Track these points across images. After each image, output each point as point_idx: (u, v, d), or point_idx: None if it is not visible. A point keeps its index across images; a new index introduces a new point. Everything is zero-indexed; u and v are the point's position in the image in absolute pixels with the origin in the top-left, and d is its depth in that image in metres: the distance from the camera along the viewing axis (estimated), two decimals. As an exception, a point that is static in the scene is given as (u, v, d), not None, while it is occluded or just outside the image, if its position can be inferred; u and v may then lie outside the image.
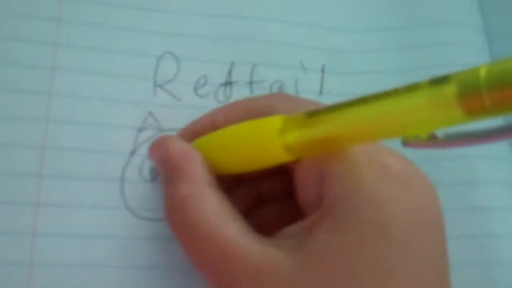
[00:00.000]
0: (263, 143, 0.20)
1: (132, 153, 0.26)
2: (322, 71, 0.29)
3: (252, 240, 0.20)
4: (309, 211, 0.20)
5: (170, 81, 0.28)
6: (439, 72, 0.29)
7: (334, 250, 0.18)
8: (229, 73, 0.29)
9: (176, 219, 0.21)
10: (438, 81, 0.15)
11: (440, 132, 0.17)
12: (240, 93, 0.28)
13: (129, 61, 0.27)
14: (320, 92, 0.29)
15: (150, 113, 0.27)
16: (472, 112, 0.14)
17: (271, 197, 0.25)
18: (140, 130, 0.26)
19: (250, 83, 0.29)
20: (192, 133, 0.24)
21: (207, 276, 0.21)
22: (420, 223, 0.19)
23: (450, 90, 0.15)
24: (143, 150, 0.26)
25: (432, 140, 0.17)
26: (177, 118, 0.27)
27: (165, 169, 0.23)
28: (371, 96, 0.17)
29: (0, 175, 0.24)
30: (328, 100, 0.28)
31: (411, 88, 0.16)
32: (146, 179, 0.26)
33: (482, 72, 0.14)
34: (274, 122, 0.20)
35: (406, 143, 0.17)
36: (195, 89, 0.28)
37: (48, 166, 0.25)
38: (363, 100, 0.17)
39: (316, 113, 0.19)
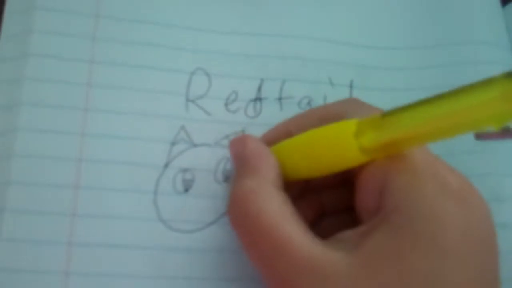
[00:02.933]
0: (339, 146, 0.21)
1: (166, 166, 0.27)
2: (350, 86, 0.30)
3: (310, 240, 0.20)
4: (366, 218, 0.21)
5: (202, 96, 0.28)
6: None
7: (388, 255, 0.19)
8: (259, 89, 0.29)
9: (237, 211, 0.22)
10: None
11: None
12: (269, 109, 0.29)
13: (163, 77, 0.28)
14: (348, 108, 0.30)
15: (182, 127, 0.27)
16: None
17: (332, 209, 0.25)
18: (173, 143, 0.27)
19: (279, 99, 0.29)
20: (268, 140, 0.25)
21: (262, 270, 0.21)
22: (473, 239, 0.19)
23: None
24: (176, 163, 0.27)
25: (506, 133, 0.17)
26: (208, 133, 0.28)
27: (238, 163, 0.24)
28: (446, 93, 0.17)
29: (38, 186, 0.25)
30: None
31: (486, 82, 0.16)
32: (179, 192, 0.26)
33: None
34: (349, 125, 0.21)
35: (479, 136, 0.17)
36: (226, 104, 0.28)
37: (84, 178, 0.26)
38: (438, 98, 0.18)
39: (390, 113, 0.19)
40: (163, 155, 0.27)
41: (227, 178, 0.27)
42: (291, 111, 0.29)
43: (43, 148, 0.26)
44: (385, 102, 0.29)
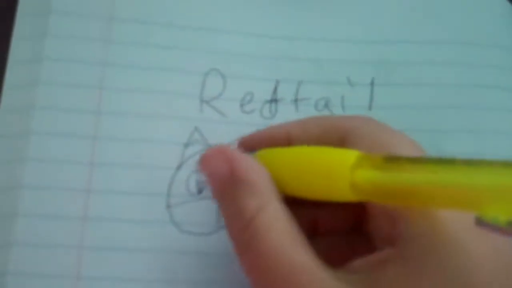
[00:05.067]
0: (331, 175, 0.19)
1: (179, 167, 0.26)
2: (372, 84, 0.29)
3: (320, 269, 0.18)
4: (380, 244, 0.19)
5: (217, 97, 0.28)
6: (488, 92, 0.29)
7: None
8: (275, 91, 0.28)
9: (242, 238, 0.19)
10: None
11: None
12: (285, 110, 0.28)
13: (177, 78, 0.27)
14: (370, 107, 0.29)
15: (196, 128, 0.27)
16: None
17: (327, 229, 0.23)
18: (187, 145, 0.26)
19: (295, 100, 0.28)
20: (265, 139, 0.23)
21: None
22: (505, 277, 0.17)
23: None
24: (190, 165, 0.26)
25: (510, 229, 0.14)
26: (223, 134, 0.27)
27: (226, 183, 0.20)
28: (462, 160, 0.15)
29: (50, 190, 0.25)
30: (378, 114, 0.28)
31: (508, 165, 0.14)
32: (192, 194, 0.25)
33: None
34: (349, 156, 0.19)
35: (480, 222, 0.15)
36: (241, 105, 0.28)
37: (96, 181, 0.25)
38: (451, 162, 0.16)
39: (395, 159, 0.17)
40: (176, 157, 0.26)
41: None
42: (307, 112, 0.28)
43: (56, 152, 0.25)
44: (410, 98, 0.29)
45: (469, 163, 0.15)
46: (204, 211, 0.25)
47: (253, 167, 0.20)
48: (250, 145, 0.23)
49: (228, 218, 0.20)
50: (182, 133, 0.27)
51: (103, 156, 0.26)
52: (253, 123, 0.27)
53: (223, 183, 0.21)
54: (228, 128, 0.27)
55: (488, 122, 0.29)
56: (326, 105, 0.29)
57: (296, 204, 0.21)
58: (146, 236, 0.24)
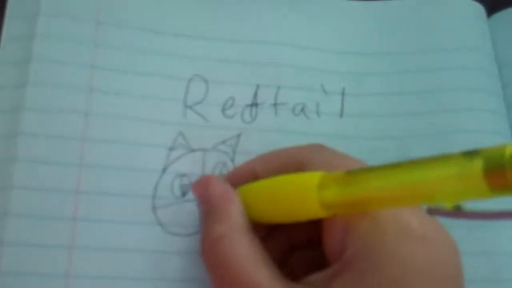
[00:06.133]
0: (300, 198, 0.21)
1: (164, 171, 0.27)
2: (342, 94, 0.31)
3: (277, 284, 0.20)
4: (332, 260, 0.21)
5: (199, 102, 0.29)
6: (455, 95, 0.31)
7: None
8: (255, 95, 0.30)
9: (208, 258, 0.22)
10: (469, 154, 0.16)
11: (466, 204, 0.17)
12: (265, 114, 0.30)
13: (161, 83, 0.29)
14: (341, 114, 0.31)
15: (180, 133, 0.28)
16: (496, 188, 0.15)
17: (303, 243, 0.25)
18: (171, 149, 0.28)
19: (275, 104, 0.30)
20: (235, 179, 0.25)
21: None
22: (438, 279, 0.20)
23: (478, 164, 0.15)
24: (174, 168, 0.27)
25: (457, 211, 0.17)
26: (206, 138, 0.28)
27: (204, 207, 0.24)
28: (407, 162, 0.18)
29: (39, 191, 0.26)
30: (349, 122, 0.30)
31: (444, 158, 0.17)
32: (176, 196, 0.27)
33: (508, 151, 0.15)
34: (313, 178, 0.21)
35: (431, 211, 0.18)
36: (223, 110, 0.29)
37: (85, 182, 0.26)
38: (399, 165, 0.18)
39: (354, 172, 0.20)
40: (161, 160, 0.27)
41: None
42: (285, 116, 0.30)
43: (45, 153, 0.26)
44: (378, 107, 0.31)
45: (414, 163, 0.18)
46: (187, 213, 0.27)
47: (226, 198, 0.23)
48: (231, 181, 0.25)
49: (201, 236, 0.23)
50: (167, 137, 0.28)
51: (91, 158, 0.27)
52: (234, 127, 0.29)
53: (203, 206, 0.24)
54: (210, 132, 0.29)
55: (454, 123, 0.31)
56: (303, 110, 0.30)
57: (274, 227, 0.24)
58: (133, 236, 0.26)
